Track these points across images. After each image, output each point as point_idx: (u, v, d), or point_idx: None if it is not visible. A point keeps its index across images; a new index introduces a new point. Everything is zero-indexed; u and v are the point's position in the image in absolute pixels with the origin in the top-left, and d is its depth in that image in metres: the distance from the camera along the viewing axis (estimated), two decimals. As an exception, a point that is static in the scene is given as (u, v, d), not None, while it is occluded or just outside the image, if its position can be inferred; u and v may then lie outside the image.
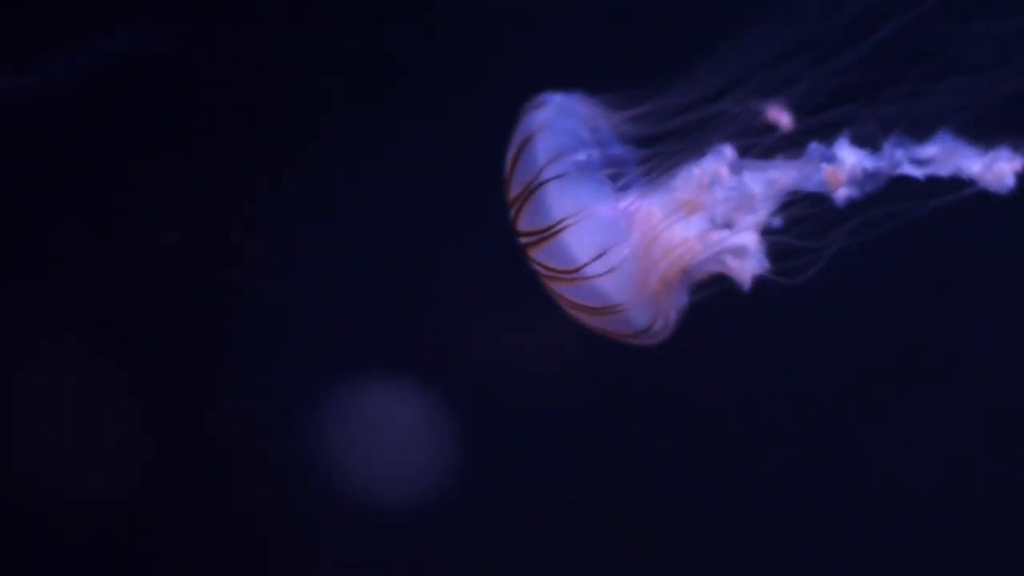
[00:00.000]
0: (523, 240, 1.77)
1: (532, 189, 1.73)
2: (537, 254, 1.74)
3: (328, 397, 3.01)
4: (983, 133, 1.59)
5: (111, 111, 3.06)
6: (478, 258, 2.79)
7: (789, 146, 1.64)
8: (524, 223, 1.75)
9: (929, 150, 1.62)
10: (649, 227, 1.72)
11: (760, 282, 1.69)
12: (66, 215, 3.07)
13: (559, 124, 1.77)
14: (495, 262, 2.08)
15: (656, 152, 1.72)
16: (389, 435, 3.01)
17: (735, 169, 1.67)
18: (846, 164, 1.63)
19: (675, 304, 1.80)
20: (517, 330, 2.88)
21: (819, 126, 1.63)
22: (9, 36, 3.05)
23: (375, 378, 3.04)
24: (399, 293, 3.04)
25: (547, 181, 1.72)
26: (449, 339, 3.00)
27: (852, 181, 1.63)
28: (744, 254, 1.71)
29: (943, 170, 1.62)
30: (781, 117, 1.66)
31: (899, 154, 1.62)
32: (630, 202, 1.74)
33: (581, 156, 1.73)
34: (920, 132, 1.60)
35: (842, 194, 1.65)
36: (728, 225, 1.70)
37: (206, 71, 3.07)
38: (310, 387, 3.02)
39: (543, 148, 1.75)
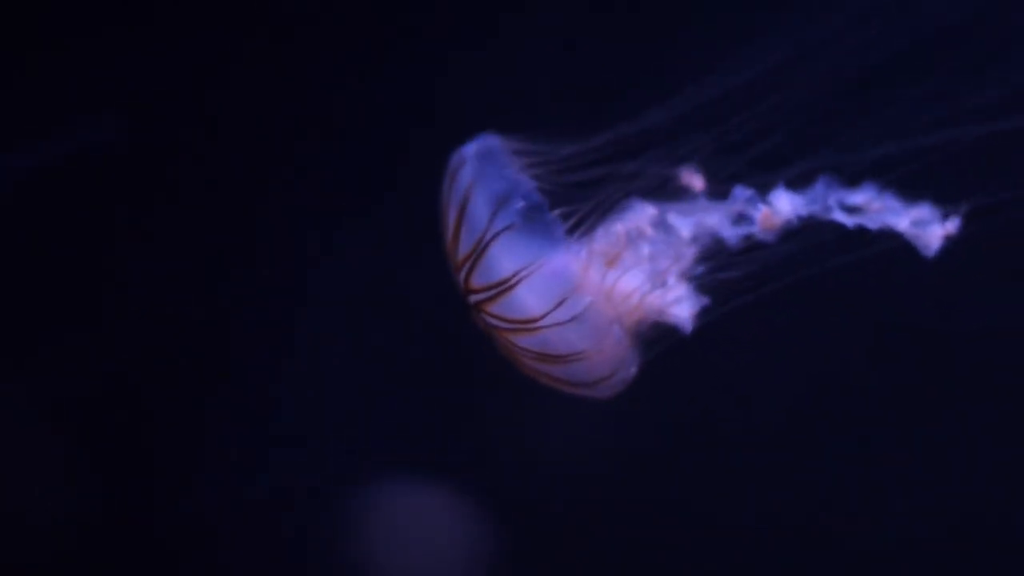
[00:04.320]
0: (476, 297, 1.79)
1: (484, 245, 1.75)
2: (494, 308, 1.77)
3: (348, 494, 3.02)
4: (915, 190, 1.62)
5: (65, 206, 3.09)
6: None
7: (719, 190, 1.67)
8: (478, 279, 1.78)
9: (858, 198, 1.66)
10: (600, 273, 1.75)
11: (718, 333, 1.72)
12: (46, 306, 3.09)
13: (489, 172, 1.79)
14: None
15: (591, 194, 1.75)
16: (413, 531, 3.00)
17: (657, 222, 1.70)
18: (780, 208, 1.66)
19: (631, 355, 1.83)
20: (535, 416, 2.87)
21: (753, 170, 1.66)
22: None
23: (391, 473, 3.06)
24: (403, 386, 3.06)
25: (497, 234, 1.75)
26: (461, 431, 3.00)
27: (785, 224, 1.67)
28: (679, 303, 1.74)
29: (872, 222, 1.65)
30: (693, 180, 1.69)
31: (831, 200, 1.65)
32: (580, 246, 1.77)
33: (522, 202, 1.76)
34: (851, 181, 1.64)
35: (771, 236, 1.69)
36: (661, 275, 1.73)
37: (159, 165, 3.10)
38: (323, 481, 3.03)
39: (482, 202, 1.78)
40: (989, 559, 2.79)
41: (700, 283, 1.73)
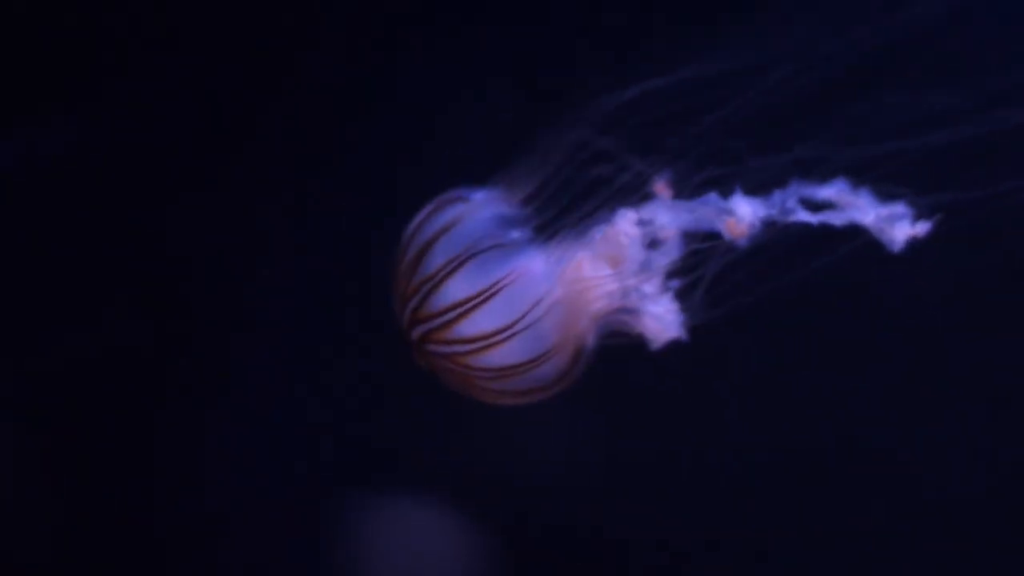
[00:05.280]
0: (427, 326, 1.79)
1: (451, 269, 1.76)
2: (450, 333, 1.77)
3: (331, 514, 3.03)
4: (890, 189, 1.62)
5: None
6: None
7: (692, 194, 1.68)
8: (434, 304, 1.78)
9: (828, 193, 1.66)
10: (569, 281, 1.75)
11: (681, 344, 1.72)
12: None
13: (469, 216, 1.81)
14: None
15: (565, 209, 1.76)
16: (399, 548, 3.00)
17: (641, 226, 1.70)
18: (744, 215, 1.66)
19: (584, 347, 1.84)
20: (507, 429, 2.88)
21: (718, 173, 1.66)
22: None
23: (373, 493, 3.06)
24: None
25: (469, 258, 1.76)
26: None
27: (751, 230, 1.67)
28: (656, 316, 1.74)
29: (839, 218, 1.65)
30: (662, 189, 1.69)
31: (797, 199, 1.66)
32: (549, 258, 1.77)
33: (496, 237, 1.77)
34: (824, 179, 1.64)
35: (742, 242, 1.69)
36: (641, 281, 1.73)
37: (104, 169, 3.11)
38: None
39: (458, 235, 1.79)
40: (989, 559, 2.78)
41: (682, 288, 1.74)
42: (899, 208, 1.63)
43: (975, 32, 2.04)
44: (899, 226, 1.63)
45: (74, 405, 3.07)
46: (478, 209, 1.82)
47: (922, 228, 1.63)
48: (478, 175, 1.88)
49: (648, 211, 1.69)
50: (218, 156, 3.17)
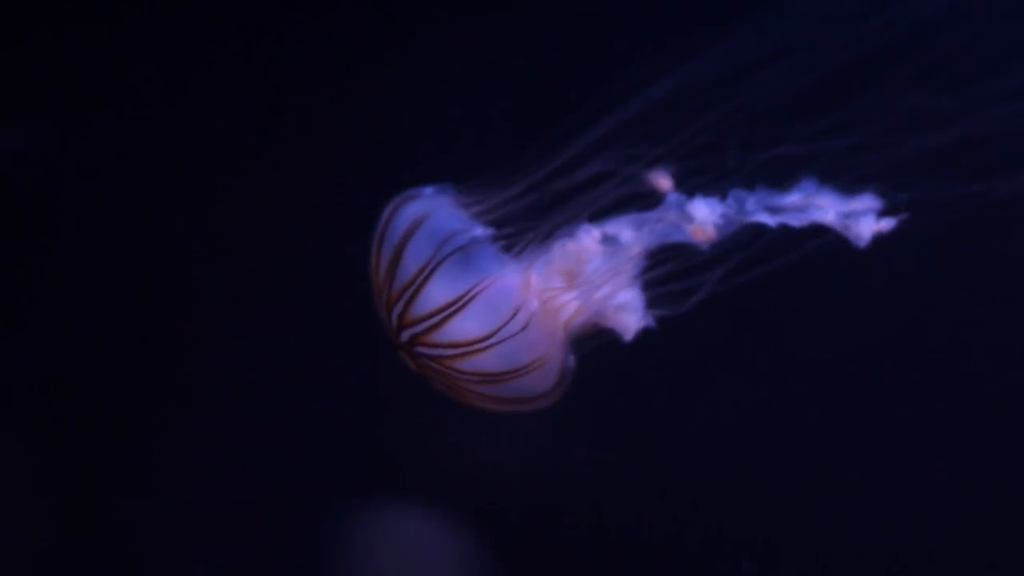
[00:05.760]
0: (413, 330, 1.79)
1: (426, 274, 1.77)
2: (435, 336, 1.77)
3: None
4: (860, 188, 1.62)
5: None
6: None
7: (653, 200, 1.68)
8: (417, 310, 1.79)
9: (792, 198, 1.66)
10: (542, 289, 1.76)
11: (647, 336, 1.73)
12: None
13: (434, 213, 1.81)
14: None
15: (534, 220, 1.76)
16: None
17: (604, 240, 1.71)
18: (706, 220, 1.67)
19: (567, 363, 1.85)
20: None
21: (709, 173, 1.66)
22: None
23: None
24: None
25: (441, 262, 1.77)
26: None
27: (717, 233, 1.68)
28: (626, 310, 1.75)
29: (800, 219, 1.66)
30: (661, 181, 1.70)
31: (752, 203, 1.66)
32: (523, 266, 1.78)
33: (465, 235, 1.77)
34: (787, 181, 1.65)
35: (708, 244, 1.69)
36: (607, 285, 1.74)
37: (74, 173, 3.11)
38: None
39: (427, 235, 1.79)
40: (987, 559, 2.79)
41: (652, 293, 1.74)
42: (872, 203, 1.64)
43: (974, 32, 2.05)
44: (864, 221, 1.64)
45: (72, 405, 3.07)
46: (438, 208, 1.83)
47: (887, 224, 1.64)
48: (473, 176, 1.88)
49: (612, 225, 1.70)
50: (218, 156, 3.17)
